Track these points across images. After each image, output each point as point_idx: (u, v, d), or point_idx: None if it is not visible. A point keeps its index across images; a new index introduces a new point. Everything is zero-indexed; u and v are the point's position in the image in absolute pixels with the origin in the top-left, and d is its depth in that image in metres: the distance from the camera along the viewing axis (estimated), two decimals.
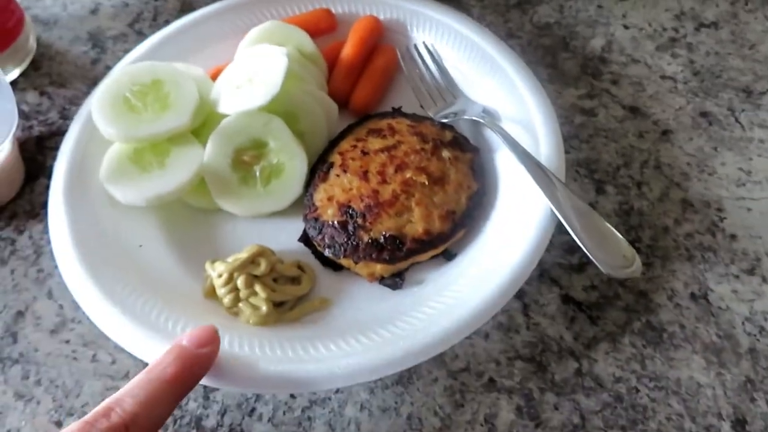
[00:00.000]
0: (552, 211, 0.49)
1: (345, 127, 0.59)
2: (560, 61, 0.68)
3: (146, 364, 0.46)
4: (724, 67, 0.67)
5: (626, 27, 0.71)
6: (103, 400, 0.46)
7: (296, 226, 0.54)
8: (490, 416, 0.46)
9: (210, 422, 0.47)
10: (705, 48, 0.69)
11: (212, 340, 0.42)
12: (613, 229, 0.49)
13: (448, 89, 0.62)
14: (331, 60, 0.64)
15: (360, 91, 0.62)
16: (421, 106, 0.60)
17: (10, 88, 0.55)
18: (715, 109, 0.63)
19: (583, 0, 0.74)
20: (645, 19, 0.72)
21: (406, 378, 0.48)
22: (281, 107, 0.56)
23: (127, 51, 0.66)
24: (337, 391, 0.48)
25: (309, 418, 0.47)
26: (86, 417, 0.35)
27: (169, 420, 0.47)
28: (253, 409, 0.47)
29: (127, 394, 0.36)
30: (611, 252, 0.48)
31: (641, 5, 0.73)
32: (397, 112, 0.61)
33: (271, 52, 0.57)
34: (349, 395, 0.47)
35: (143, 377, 0.38)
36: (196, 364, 0.40)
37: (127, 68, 0.57)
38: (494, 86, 0.60)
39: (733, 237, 0.54)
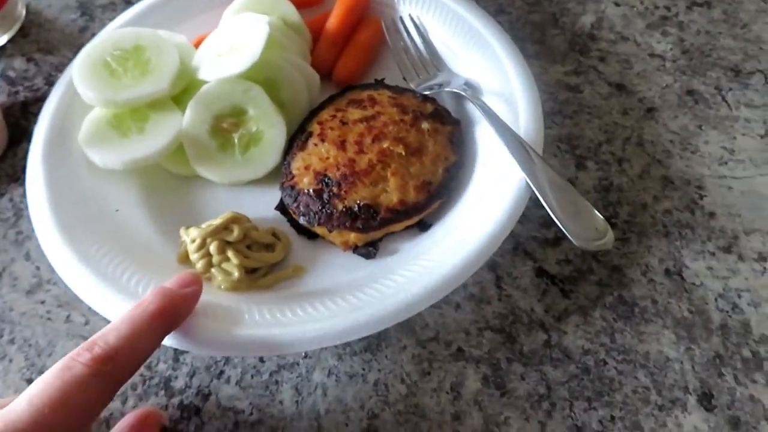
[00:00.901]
0: (527, 183, 0.49)
1: (327, 97, 0.59)
2: (549, 37, 0.68)
3: None
4: (714, 46, 0.66)
5: (617, 4, 0.70)
6: None
7: (273, 195, 0.54)
8: (456, 384, 0.46)
9: (179, 383, 0.47)
10: (696, 27, 0.68)
11: (195, 281, 0.43)
12: (587, 203, 0.48)
13: (432, 62, 0.61)
14: (316, 31, 0.64)
15: (343, 62, 0.62)
16: (404, 78, 0.60)
17: None
18: (702, 87, 0.62)
19: None
20: None
21: (374, 345, 0.48)
22: (262, 75, 0.56)
23: (114, 18, 0.66)
24: (306, 356, 0.48)
25: (276, 382, 0.47)
26: (71, 353, 0.35)
27: (138, 380, 0.47)
28: (221, 372, 0.47)
29: (110, 330, 0.37)
30: (584, 224, 0.47)
31: None
32: (379, 84, 0.60)
33: (254, 20, 0.56)
34: (318, 361, 0.48)
35: (126, 314, 0.38)
36: (179, 302, 0.41)
37: (109, 33, 0.57)
38: (479, 60, 0.59)
39: (711, 215, 0.54)
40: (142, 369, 0.48)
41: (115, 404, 0.46)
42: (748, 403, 0.44)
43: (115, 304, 0.45)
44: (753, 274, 0.50)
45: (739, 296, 0.49)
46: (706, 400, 0.45)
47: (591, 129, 0.60)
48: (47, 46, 0.68)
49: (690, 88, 0.62)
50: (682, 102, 0.61)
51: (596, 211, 0.48)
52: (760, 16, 0.68)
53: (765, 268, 0.51)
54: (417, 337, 0.49)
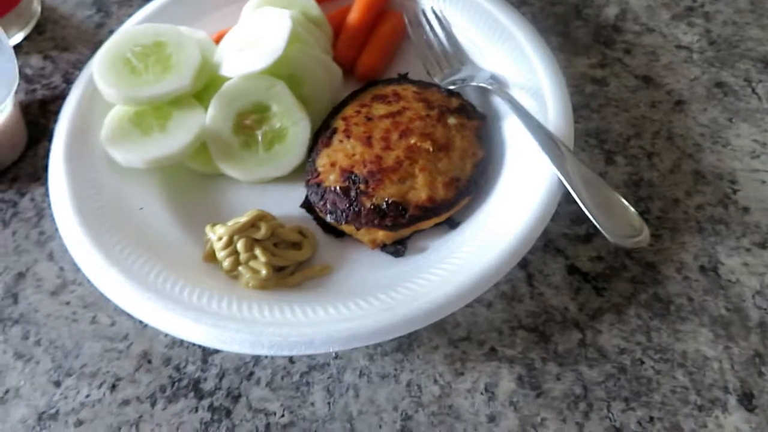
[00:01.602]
0: (558, 179, 0.48)
1: (350, 93, 0.58)
2: (572, 29, 0.66)
3: (145, 326, 0.46)
4: (741, 37, 0.65)
5: None
6: (101, 361, 0.47)
7: (298, 192, 0.54)
8: (491, 385, 0.45)
9: (208, 385, 0.46)
10: (722, 17, 0.66)
11: None
12: (621, 198, 0.47)
13: (456, 56, 0.60)
14: (337, 25, 0.62)
15: (365, 56, 0.61)
16: (428, 73, 0.59)
17: (10, 46, 0.54)
18: (731, 79, 0.61)
19: None
20: None
21: (406, 345, 0.47)
22: (285, 71, 0.55)
23: (131, 16, 0.65)
24: (336, 356, 0.47)
25: (307, 383, 0.46)
26: None
27: (167, 382, 0.46)
28: (251, 373, 0.47)
29: None
30: (618, 221, 0.46)
31: None
32: (402, 79, 0.59)
33: (275, 15, 0.55)
34: (348, 361, 0.47)
35: None
36: None
37: (130, 29, 0.56)
38: (503, 53, 0.58)
39: (745, 210, 0.53)
40: (170, 370, 0.47)
41: (144, 406, 0.45)
42: None
43: (142, 303, 0.44)
44: None
45: None
46: (747, 400, 0.44)
47: (619, 123, 0.59)
48: (63, 43, 0.67)
49: (719, 80, 0.61)
50: (711, 94, 0.60)
51: (631, 207, 0.47)
52: None
53: None
54: (449, 336, 0.48)
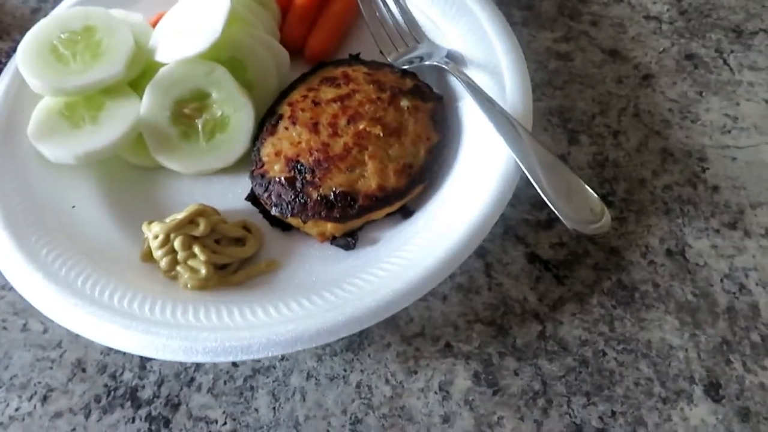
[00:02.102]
0: (516, 163, 0.45)
1: (298, 76, 0.55)
2: (536, 1, 0.63)
3: (77, 336, 0.43)
4: (713, 5, 0.61)
5: None
6: (32, 371, 0.44)
7: (243, 184, 0.50)
8: (445, 383, 0.43)
9: (146, 393, 0.44)
10: None
11: None
12: (582, 182, 0.45)
13: (411, 33, 0.57)
14: (285, 4, 0.59)
15: (315, 37, 0.57)
16: (381, 52, 0.55)
17: None
18: (701, 50, 0.58)
19: None
20: None
21: (356, 344, 0.45)
22: (225, 54, 0.51)
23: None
24: (283, 358, 0.44)
25: (251, 388, 0.44)
26: None
27: (102, 391, 0.44)
28: (192, 379, 0.44)
29: None
30: (578, 206, 0.44)
31: None
32: (354, 60, 0.56)
33: None
34: (296, 363, 0.44)
35: None
36: None
37: (57, 14, 0.53)
38: (461, 30, 0.55)
39: (715, 188, 0.50)
40: (105, 379, 0.44)
41: (78, 418, 0.43)
42: (758, 391, 0.41)
43: (70, 311, 0.41)
44: (761, 252, 0.47)
45: (746, 276, 0.46)
46: (714, 391, 0.42)
47: (584, 100, 0.56)
48: None
49: (689, 51, 0.58)
50: (680, 67, 0.57)
51: (591, 191, 0.44)
52: None
53: None
54: (401, 333, 0.45)
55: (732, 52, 0.58)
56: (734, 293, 0.45)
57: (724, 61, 0.57)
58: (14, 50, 0.61)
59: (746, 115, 0.54)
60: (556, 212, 0.43)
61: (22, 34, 0.62)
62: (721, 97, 0.55)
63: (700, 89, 0.56)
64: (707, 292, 0.45)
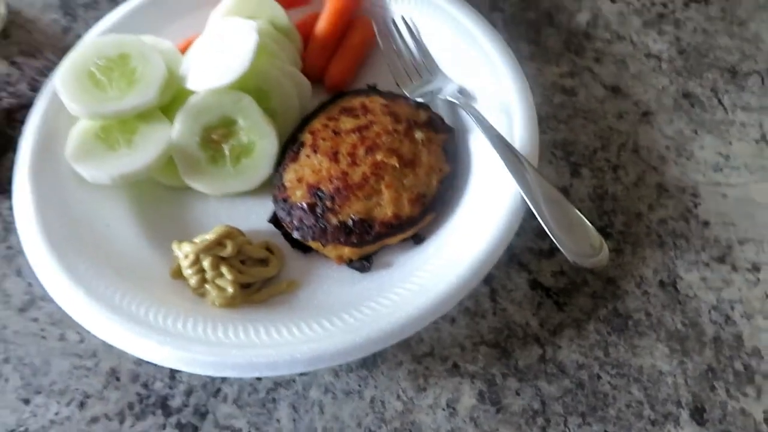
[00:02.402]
0: (522, 197, 0.48)
1: (319, 103, 0.58)
2: (543, 36, 0.66)
3: (111, 346, 0.47)
4: (710, 46, 0.65)
5: (614, 1, 0.69)
6: (70, 378, 0.47)
7: (267, 206, 0.54)
8: (452, 401, 0.47)
9: (175, 402, 0.47)
10: (693, 24, 0.67)
11: None
12: (583, 217, 0.48)
13: (426, 66, 0.60)
14: (306, 33, 0.62)
15: (334, 67, 0.61)
16: (397, 84, 0.59)
17: None
18: (698, 90, 0.62)
19: None
20: None
21: (370, 361, 0.48)
22: (252, 84, 0.55)
23: (98, 19, 0.64)
24: (302, 373, 0.48)
25: (273, 400, 0.47)
26: None
27: (135, 399, 0.47)
28: (218, 390, 0.48)
29: None
30: (579, 240, 0.47)
31: None
32: (371, 90, 0.59)
33: (242, 27, 0.55)
34: (314, 378, 0.48)
35: None
36: None
37: (93, 41, 0.56)
38: (473, 64, 0.58)
39: (706, 224, 0.54)
40: (138, 387, 0.48)
41: (113, 424, 0.46)
42: (740, 416, 0.45)
43: (106, 323, 0.45)
44: (746, 285, 0.51)
45: (732, 308, 0.50)
46: (699, 414, 0.45)
47: (586, 134, 0.59)
48: (29, 48, 0.66)
49: (686, 90, 0.62)
50: (677, 105, 0.61)
51: (591, 227, 0.48)
52: (758, 13, 0.67)
53: (758, 278, 0.51)
54: (413, 352, 0.49)
55: (726, 92, 0.61)
56: (720, 324, 0.49)
57: (719, 101, 0.61)
58: (47, 68, 0.64)
59: (737, 154, 0.58)
60: (557, 245, 0.46)
61: (54, 53, 0.65)
62: (714, 135, 0.59)
63: (696, 127, 0.59)
64: (696, 322, 0.49)
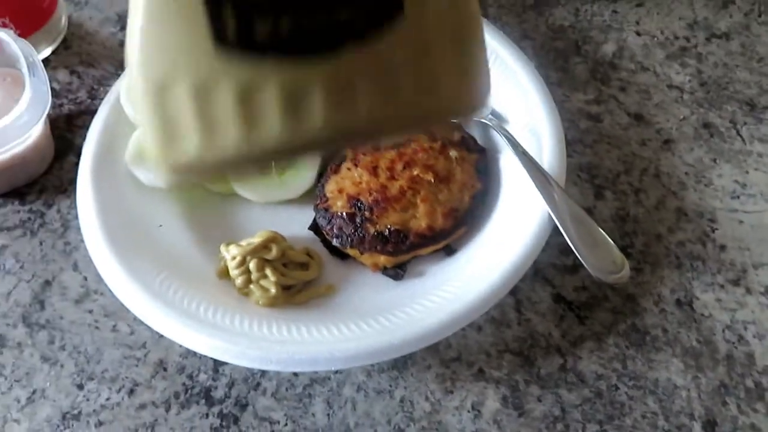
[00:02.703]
0: (549, 215, 0.52)
1: None
2: (571, 65, 0.70)
3: (162, 336, 0.50)
4: (731, 79, 0.68)
5: (639, 34, 0.73)
6: (121, 366, 0.51)
7: (307, 215, 0.58)
8: (477, 404, 0.50)
9: (218, 394, 0.51)
10: (714, 59, 0.70)
11: None
12: (606, 236, 0.51)
13: None
14: None
15: None
16: None
17: (44, 71, 0.58)
18: (717, 120, 0.65)
19: (598, 5, 0.76)
20: (658, 26, 0.73)
21: (401, 363, 0.52)
22: None
23: None
24: (337, 371, 0.51)
25: (309, 395, 0.50)
26: None
27: (180, 389, 0.51)
28: (258, 384, 0.51)
29: None
30: (602, 257, 0.50)
31: (656, 12, 0.75)
32: None
33: None
34: (348, 376, 0.51)
35: None
36: None
37: None
38: (505, 88, 0.62)
39: (722, 248, 0.57)
40: (184, 378, 0.51)
41: (159, 411, 0.50)
42: (750, 431, 0.48)
43: (160, 316, 0.48)
44: (759, 308, 0.53)
45: (746, 328, 0.52)
46: (710, 427, 0.48)
47: (610, 159, 0.62)
48: (89, 59, 0.71)
49: (706, 121, 0.65)
50: (698, 135, 0.64)
51: (614, 245, 0.51)
52: None
53: None
54: (441, 357, 0.52)
55: (745, 123, 0.65)
56: (734, 343, 0.52)
57: (737, 132, 0.64)
58: (105, 78, 0.69)
59: (754, 182, 0.60)
60: (582, 261, 0.49)
61: (112, 64, 0.70)
62: (732, 164, 0.62)
63: (715, 156, 0.62)
64: (710, 340, 0.52)
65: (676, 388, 0.50)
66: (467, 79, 0.30)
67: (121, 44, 0.71)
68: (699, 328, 0.53)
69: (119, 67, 0.68)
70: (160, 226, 0.56)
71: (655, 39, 0.72)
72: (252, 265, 0.52)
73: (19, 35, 0.60)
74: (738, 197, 0.60)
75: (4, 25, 0.64)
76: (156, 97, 0.28)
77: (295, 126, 0.27)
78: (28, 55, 0.58)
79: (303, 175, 0.58)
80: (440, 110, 0.30)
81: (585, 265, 0.49)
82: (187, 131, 0.28)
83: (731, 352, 0.51)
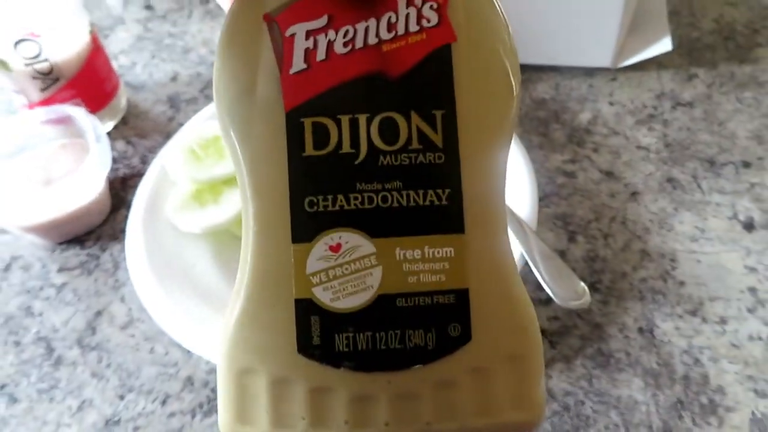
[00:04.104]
0: (521, 253, 0.60)
1: None
2: (551, 130, 0.81)
3: (191, 356, 0.59)
4: (693, 141, 0.77)
5: (611, 104, 0.83)
6: (156, 381, 0.60)
7: None
8: None
9: None
10: (679, 123, 0.80)
11: None
12: (570, 270, 0.60)
13: None
14: None
15: None
16: None
17: (107, 138, 0.71)
18: (680, 175, 0.74)
19: (577, 80, 0.87)
20: (629, 97, 0.84)
21: None
22: None
23: (196, 111, 0.82)
24: None
25: None
26: None
27: (205, 400, 0.59)
28: None
29: None
30: (565, 287, 0.58)
31: (627, 86, 0.86)
32: None
33: None
34: None
35: None
36: None
37: (195, 127, 0.73)
38: None
39: (681, 283, 0.64)
40: (207, 391, 0.60)
41: (186, 418, 0.58)
42: None
43: (192, 336, 0.58)
44: (714, 335, 0.60)
45: (701, 353, 0.59)
46: None
47: (582, 209, 0.71)
48: (142, 132, 0.85)
49: (670, 176, 0.74)
50: (662, 188, 0.73)
51: (576, 277, 0.59)
52: (736, 115, 0.80)
53: (725, 329, 0.60)
54: None
55: (705, 178, 0.73)
56: (690, 365, 0.58)
57: (698, 185, 0.73)
58: (155, 147, 0.82)
59: (712, 228, 0.68)
60: (548, 291, 0.57)
61: (161, 136, 0.83)
62: (692, 212, 0.70)
63: (676, 206, 0.71)
64: (668, 362, 0.58)
65: (636, 403, 0.56)
66: (523, 398, 0.31)
67: (169, 120, 0.85)
68: (659, 352, 0.59)
69: (167, 137, 0.82)
70: (194, 265, 0.67)
71: (626, 107, 0.83)
72: None
73: (89, 112, 0.74)
74: (697, 240, 0.67)
75: (77, 104, 0.78)
76: (237, 379, 0.31)
77: (357, 429, 0.29)
78: (95, 127, 0.72)
79: None
80: (497, 427, 0.31)
81: (551, 294, 0.57)
82: (257, 416, 0.30)
83: (687, 373, 0.58)
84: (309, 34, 0.30)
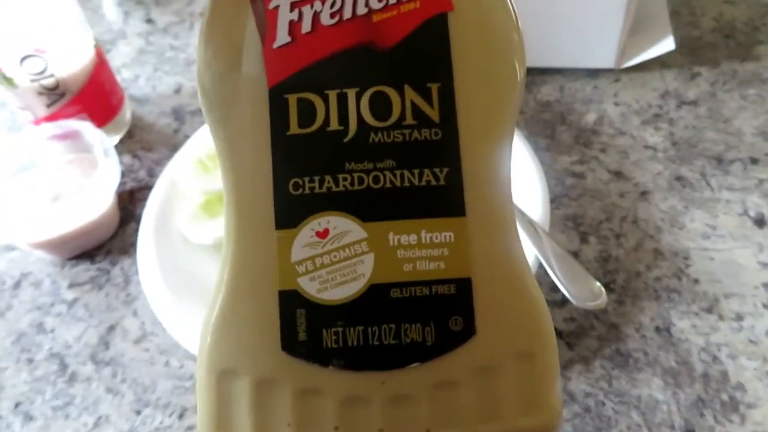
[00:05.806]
0: (535, 255, 0.60)
1: None
2: (558, 132, 0.81)
3: None
4: (699, 139, 0.78)
5: (617, 104, 0.83)
6: (172, 395, 0.59)
7: None
8: None
9: None
10: (684, 122, 0.80)
11: None
12: (585, 270, 0.59)
13: None
14: None
15: None
16: None
17: (115, 152, 0.71)
18: (689, 174, 0.74)
19: (581, 81, 0.87)
20: (634, 97, 0.84)
21: None
22: None
23: (202, 123, 0.82)
24: None
25: None
26: None
27: None
28: None
29: None
30: (581, 288, 0.58)
31: (632, 86, 0.86)
32: None
33: None
34: None
35: None
36: None
37: (203, 138, 0.73)
38: None
39: (696, 281, 0.64)
40: None
41: (172, 420, 0.58)
42: None
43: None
44: (731, 331, 0.60)
45: (719, 350, 0.59)
46: None
47: (593, 209, 0.71)
48: (148, 145, 0.85)
49: (678, 174, 0.74)
50: (671, 186, 0.73)
51: (592, 277, 0.59)
52: (740, 112, 0.80)
53: (741, 326, 0.60)
54: None
55: (713, 175, 0.73)
56: (709, 363, 0.58)
57: (707, 183, 0.73)
58: (161, 159, 0.82)
59: (723, 225, 0.68)
60: (564, 292, 0.57)
61: (167, 148, 0.83)
62: (703, 210, 0.70)
63: (687, 204, 0.71)
64: (687, 360, 0.58)
65: (657, 402, 0.56)
66: (534, 401, 0.28)
67: (175, 132, 0.85)
68: (677, 351, 0.59)
69: (173, 150, 0.81)
70: (207, 276, 0.66)
71: (631, 108, 0.83)
72: None
73: (95, 126, 0.74)
74: (709, 237, 0.67)
75: (83, 119, 0.78)
76: (217, 382, 0.28)
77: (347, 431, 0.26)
78: (102, 142, 0.72)
79: None
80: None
81: (567, 296, 0.57)
82: (239, 423, 0.28)
83: (707, 371, 0.57)
84: (294, 5, 0.28)
